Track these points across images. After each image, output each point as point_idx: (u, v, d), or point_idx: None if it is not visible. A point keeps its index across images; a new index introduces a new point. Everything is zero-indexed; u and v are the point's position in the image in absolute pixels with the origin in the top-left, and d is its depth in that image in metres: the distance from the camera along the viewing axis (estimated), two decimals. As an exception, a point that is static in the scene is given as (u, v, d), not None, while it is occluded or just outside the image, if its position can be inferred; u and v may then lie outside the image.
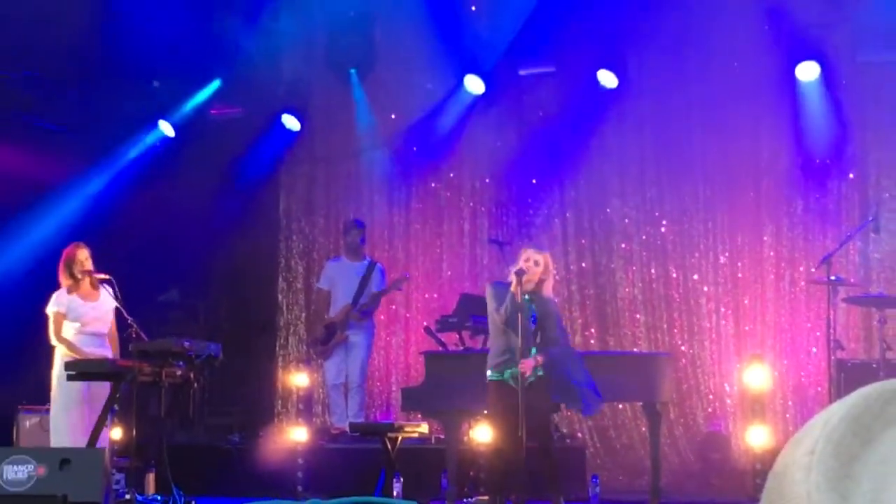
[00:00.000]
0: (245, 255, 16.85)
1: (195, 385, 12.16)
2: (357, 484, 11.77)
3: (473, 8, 15.21)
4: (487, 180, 16.69)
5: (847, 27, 14.47)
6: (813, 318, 14.70)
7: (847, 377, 12.37)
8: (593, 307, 15.99)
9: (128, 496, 11.51)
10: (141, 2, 14.72)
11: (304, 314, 17.03)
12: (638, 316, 15.93)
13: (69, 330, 12.03)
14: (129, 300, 12.24)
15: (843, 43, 14.46)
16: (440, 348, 13.47)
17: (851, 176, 15.14)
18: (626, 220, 16.10)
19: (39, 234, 13.68)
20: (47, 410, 12.44)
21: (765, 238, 15.56)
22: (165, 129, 15.82)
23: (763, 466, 11.28)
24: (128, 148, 15.66)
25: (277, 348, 17.11)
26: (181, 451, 12.86)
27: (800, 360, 15.13)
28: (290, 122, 16.29)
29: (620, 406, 14.94)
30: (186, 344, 12.13)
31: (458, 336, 13.67)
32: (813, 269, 13.95)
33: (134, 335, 12.03)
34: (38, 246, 13.20)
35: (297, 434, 13.33)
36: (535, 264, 10.62)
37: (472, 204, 16.76)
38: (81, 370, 11.79)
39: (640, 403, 12.97)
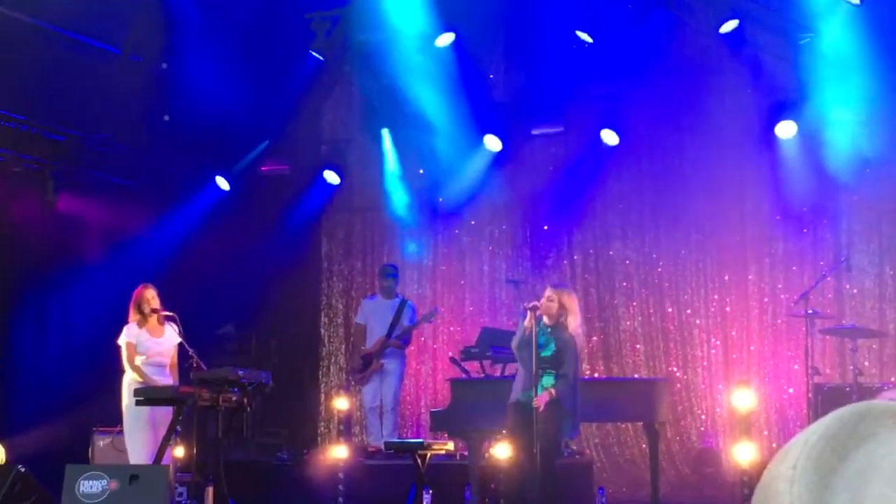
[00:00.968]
0: (292, 294, 16.87)
1: (248, 409, 12.16)
2: (391, 497, 11.75)
3: (491, 76, 15.22)
4: (504, 227, 16.72)
5: (819, 90, 14.47)
6: (793, 347, 14.67)
7: (823, 399, 12.33)
8: (599, 338, 15.97)
9: (189, 507, 11.54)
10: (201, 73, 14.79)
11: (343, 346, 17.02)
12: (638, 346, 15.93)
13: (138, 360, 12.06)
14: (191, 334, 12.27)
15: (816, 104, 14.45)
16: (464, 376, 13.47)
17: (825, 222, 15.14)
18: (627, 262, 16.13)
19: (112, 276, 13.69)
20: (119, 432, 12.47)
21: (749, 276, 15.57)
22: (222, 184, 15.85)
23: (750, 479, 11.21)
24: (189, 200, 15.68)
25: (320, 376, 17.11)
26: (236, 467, 12.83)
27: (781, 385, 15.12)
28: (331, 177, 16.32)
29: (623, 426, 14.91)
30: (240, 373, 12.14)
31: (479, 365, 13.64)
32: (792, 304, 13.90)
33: (194, 365, 12.05)
34: (112, 286, 13.21)
35: (338, 452, 13.30)
36: (548, 300, 10.62)
37: (490, 248, 16.78)
38: (148, 396, 11.81)
39: (641, 423, 12.94)
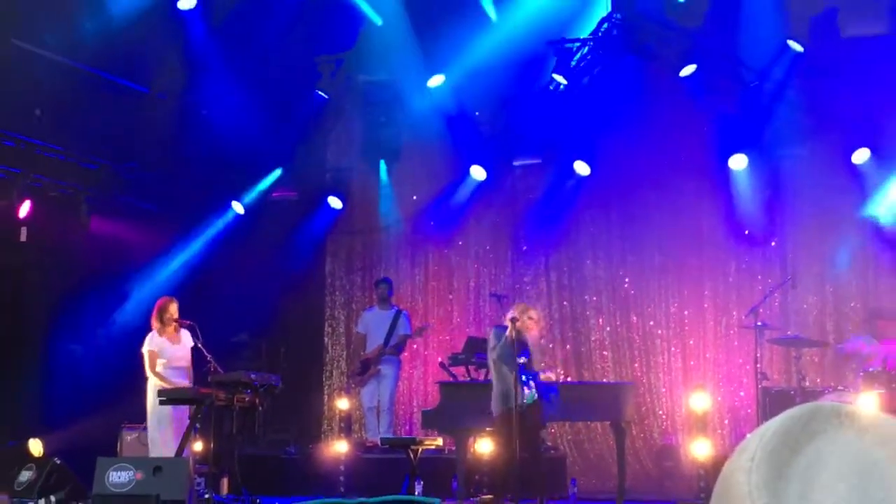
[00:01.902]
0: (299, 306, 16.88)
1: (259, 408, 12.15)
2: (387, 486, 11.71)
3: (477, 113, 15.23)
4: (488, 247, 16.73)
5: (769, 127, 14.51)
6: (744, 355, 14.67)
7: (771, 402, 12.32)
8: (571, 346, 15.98)
9: (207, 496, 11.50)
10: (219, 109, 14.79)
11: (344, 352, 16.99)
12: (606, 353, 15.93)
13: (158, 365, 12.05)
14: (209, 340, 12.26)
15: (765, 140, 14.50)
16: (452, 379, 13.46)
17: (773, 244, 15.18)
18: (597, 279, 16.15)
19: (139, 290, 13.68)
20: (144, 428, 12.44)
21: (706, 292, 15.60)
22: (237, 208, 15.84)
23: (706, 472, 11.21)
24: (208, 223, 15.67)
25: (324, 379, 17.07)
26: (248, 460, 12.82)
27: (733, 388, 15.13)
28: (335, 203, 16.31)
29: (593, 424, 14.90)
30: (253, 376, 12.13)
31: (465, 369, 13.64)
32: (743, 317, 13.90)
33: (212, 368, 12.04)
34: (138, 299, 13.20)
35: (339, 446, 13.29)
36: (528, 318, 10.66)
37: (476, 266, 16.78)
38: (170, 396, 11.80)
39: (609, 422, 12.92)
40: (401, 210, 16.33)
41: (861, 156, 14.00)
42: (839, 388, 12.59)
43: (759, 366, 12.97)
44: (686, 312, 15.69)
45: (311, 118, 15.87)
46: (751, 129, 14.41)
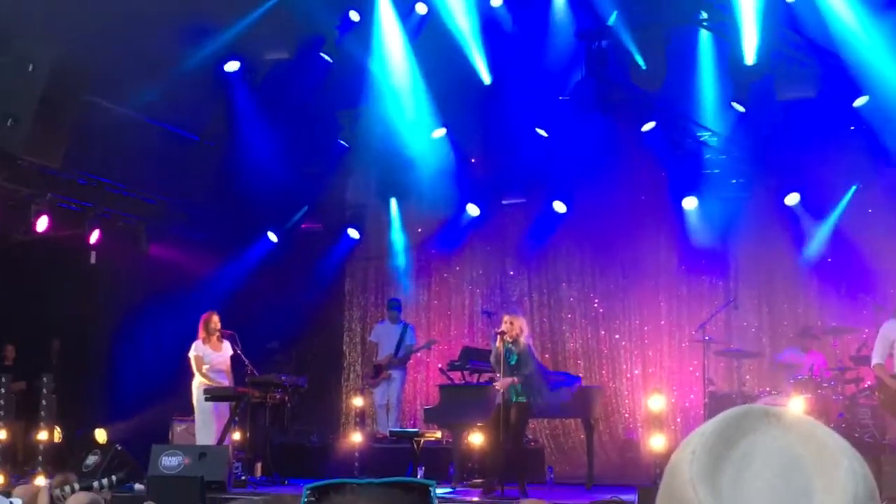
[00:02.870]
0: (322, 320, 16.88)
1: (288, 404, 12.18)
2: (394, 471, 11.67)
3: (473, 160, 15.26)
4: (481, 272, 16.75)
5: (716, 174, 14.55)
6: (694, 364, 14.66)
7: (716, 403, 12.31)
8: (550, 355, 15.94)
9: (243, 477, 11.54)
10: (257, 154, 14.82)
11: (360, 359, 16.99)
12: (579, 362, 15.93)
13: (205, 367, 12.08)
14: (247, 347, 12.30)
15: (712, 184, 14.54)
16: (449, 382, 13.44)
17: (719, 272, 15.19)
18: (571, 299, 16.16)
19: (189, 305, 13.67)
20: (192, 420, 12.43)
21: (662, 311, 15.63)
22: (271, 237, 15.85)
23: (661, 462, 11.17)
24: (247, 249, 15.68)
25: (342, 381, 17.07)
26: (278, 448, 12.81)
27: (685, 392, 15.11)
28: (353, 233, 16.33)
29: (567, 421, 14.88)
30: (283, 378, 12.17)
31: (461, 374, 13.62)
32: (694, 332, 13.90)
33: (249, 371, 12.07)
34: (188, 313, 13.19)
35: (354, 437, 13.25)
36: (508, 324, 10.69)
37: (470, 287, 16.79)
38: (214, 394, 11.84)
39: (580, 419, 12.91)
40: (408, 240, 16.33)
41: (792, 199, 14.02)
42: (773, 392, 12.60)
43: (706, 373, 13.01)
44: (645, 328, 15.69)
45: (333, 163, 15.92)
46: (700, 176, 14.47)
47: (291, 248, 16.05)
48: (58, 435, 12.57)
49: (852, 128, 13.50)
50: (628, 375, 15.65)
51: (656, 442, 11.35)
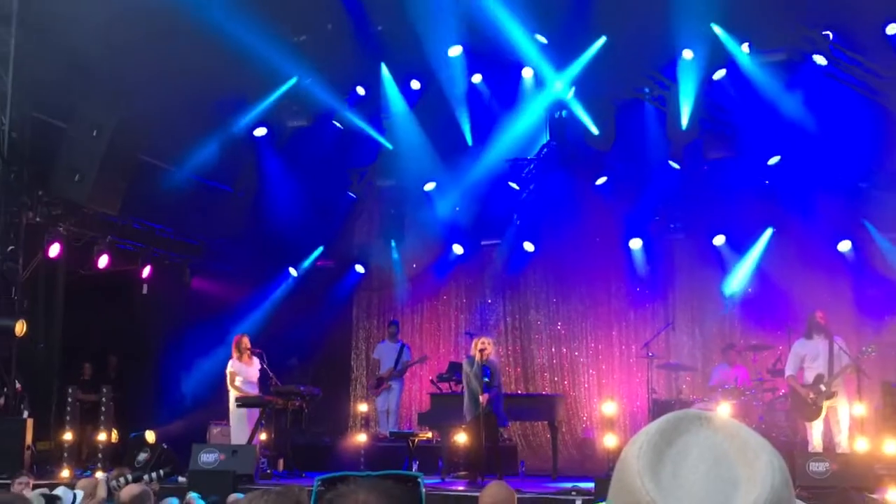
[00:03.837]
0: (334, 340, 16.79)
1: (305, 410, 12.12)
2: (393, 465, 11.63)
3: (457, 208, 15.29)
4: (464, 300, 16.70)
5: (656, 219, 14.59)
6: (640, 376, 14.64)
7: (658, 408, 12.31)
8: (521, 369, 15.93)
9: (268, 471, 11.46)
10: (280, 202, 14.84)
11: (365, 372, 16.89)
12: (545, 374, 15.89)
13: (237, 380, 12.01)
14: (271, 363, 12.26)
15: (655, 227, 14.59)
16: (439, 392, 13.41)
17: (660, 299, 15.22)
18: (539, 322, 16.13)
19: (224, 328, 13.63)
20: (226, 423, 12.36)
21: (614, 332, 15.61)
22: (292, 272, 15.83)
23: (613, 457, 11.14)
24: (271, 282, 15.65)
25: (350, 390, 16.96)
26: (298, 447, 12.72)
27: (633, 399, 15.08)
28: (359, 269, 16.31)
29: (536, 423, 14.82)
30: (301, 388, 12.12)
31: (448, 385, 13.58)
32: (640, 349, 13.91)
33: (273, 383, 12.01)
34: (224, 334, 13.16)
35: (360, 437, 13.20)
36: (484, 344, 10.72)
37: (455, 313, 16.74)
38: (245, 402, 11.79)
39: (546, 422, 12.87)
40: (404, 274, 16.32)
41: (719, 240, 14.08)
42: (704, 399, 12.58)
43: (649, 383, 13.01)
44: (600, 346, 15.67)
45: (343, 211, 15.95)
46: (644, 221, 14.52)
47: (308, 281, 16.03)
48: (114, 436, 12.48)
49: (766, 182, 13.60)
50: (586, 385, 15.61)
51: (609, 440, 11.32)
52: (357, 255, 16.61)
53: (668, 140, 13.61)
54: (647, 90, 13.90)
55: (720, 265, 14.18)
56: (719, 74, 12.98)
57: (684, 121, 13.09)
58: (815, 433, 11.16)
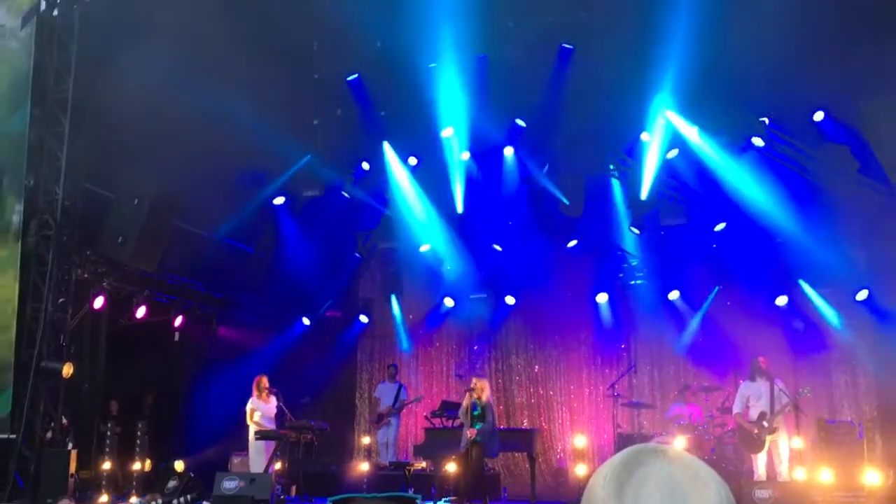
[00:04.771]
0: (341, 382, 16.67)
1: (315, 442, 11.97)
2: (392, 490, 11.48)
3: (448, 267, 15.31)
4: (454, 346, 16.63)
5: (620, 277, 14.62)
6: (606, 412, 14.52)
7: (622, 441, 12.21)
8: (504, 407, 15.80)
9: (282, 497, 11.28)
10: (295, 262, 14.85)
11: (367, 409, 16.75)
12: (525, 411, 15.78)
13: (256, 416, 11.88)
14: (287, 400, 12.13)
15: (619, 283, 14.61)
16: (432, 426, 13.28)
17: (623, 346, 15.18)
18: (518, 366, 16.06)
19: (245, 370, 13.53)
20: (246, 454, 12.21)
21: (584, 374, 15.55)
22: (305, 321, 15.77)
23: (583, 484, 11.02)
24: (287, 330, 15.58)
25: (355, 425, 16.80)
26: (309, 474, 12.56)
27: (600, 433, 14.95)
28: (363, 319, 16.28)
29: (517, 454, 14.68)
30: (312, 423, 11.99)
31: (440, 421, 13.47)
32: (606, 390, 13.84)
33: (288, 418, 11.88)
34: (245, 376, 13.05)
35: (363, 466, 13.05)
36: (477, 384, 10.63)
37: (447, 358, 16.66)
38: (263, 435, 11.65)
39: (526, 453, 12.74)
40: (403, 323, 16.27)
41: (674, 295, 14.11)
42: (662, 433, 12.50)
43: (615, 419, 12.92)
44: (572, 387, 15.59)
45: (350, 269, 15.94)
46: (609, 278, 14.55)
47: (319, 329, 15.97)
48: (147, 466, 12.32)
49: (714, 245, 13.67)
50: (559, 421, 15.49)
51: (580, 469, 11.25)
52: (362, 307, 16.59)
53: (629, 209, 13.70)
54: (611, 167, 14.03)
55: (675, 317, 14.19)
56: (673, 153, 13.12)
57: (643, 193, 13.20)
58: (760, 464, 11.09)
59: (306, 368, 15.12)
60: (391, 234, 15.39)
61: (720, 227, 13.45)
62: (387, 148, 14.52)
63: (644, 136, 13.07)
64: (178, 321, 13.88)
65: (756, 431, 11.03)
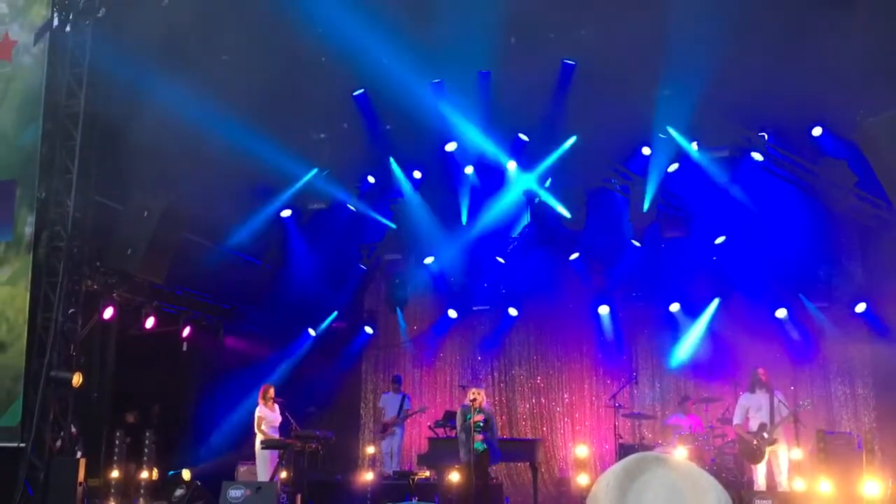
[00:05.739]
0: (346, 392, 16.61)
1: (320, 452, 11.92)
2: (396, 500, 11.45)
3: (452, 279, 15.31)
4: (458, 357, 16.57)
5: (621, 289, 14.61)
6: (608, 422, 14.45)
7: (624, 451, 12.15)
8: (506, 417, 15.74)
9: (288, 506, 11.23)
10: (302, 273, 14.86)
11: (372, 419, 16.71)
12: (527, 421, 15.70)
13: (262, 425, 11.87)
14: (292, 410, 12.10)
15: (619, 295, 14.60)
16: (436, 436, 13.24)
17: (624, 357, 15.13)
18: (521, 377, 15.99)
19: (251, 380, 13.51)
20: (252, 463, 12.18)
21: (585, 385, 15.48)
22: (311, 332, 15.76)
23: (585, 493, 10.97)
24: (293, 341, 15.58)
25: (359, 435, 16.75)
26: (313, 483, 12.52)
27: (602, 444, 14.88)
28: (368, 330, 16.27)
29: (519, 464, 14.63)
30: (318, 433, 11.94)
31: (444, 431, 13.43)
32: (608, 400, 13.79)
33: (293, 427, 11.84)
34: (251, 386, 13.04)
35: (367, 475, 13.01)
36: (476, 395, 10.60)
37: (450, 368, 16.59)
38: (269, 445, 11.61)
39: (528, 462, 12.71)
40: (407, 335, 16.26)
41: (674, 307, 14.09)
42: (663, 444, 12.46)
43: (616, 429, 12.87)
44: (574, 398, 15.53)
45: (356, 281, 15.96)
46: (611, 290, 14.53)
47: (325, 340, 15.96)
48: (155, 474, 12.30)
49: (714, 258, 13.67)
50: (562, 432, 15.43)
51: (582, 479, 11.21)
52: (366, 318, 16.58)
53: (630, 222, 13.70)
54: (613, 180, 14.05)
55: (676, 329, 14.16)
56: (673, 167, 13.14)
57: (644, 206, 13.21)
58: (760, 474, 11.05)
59: (312, 379, 15.10)
60: (396, 246, 15.41)
61: (720, 240, 13.45)
62: (392, 162, 14.55)
63: (645, 151, 13.10)
64: (186, 332, 13.88)
65: (756, 442, 11.00)
